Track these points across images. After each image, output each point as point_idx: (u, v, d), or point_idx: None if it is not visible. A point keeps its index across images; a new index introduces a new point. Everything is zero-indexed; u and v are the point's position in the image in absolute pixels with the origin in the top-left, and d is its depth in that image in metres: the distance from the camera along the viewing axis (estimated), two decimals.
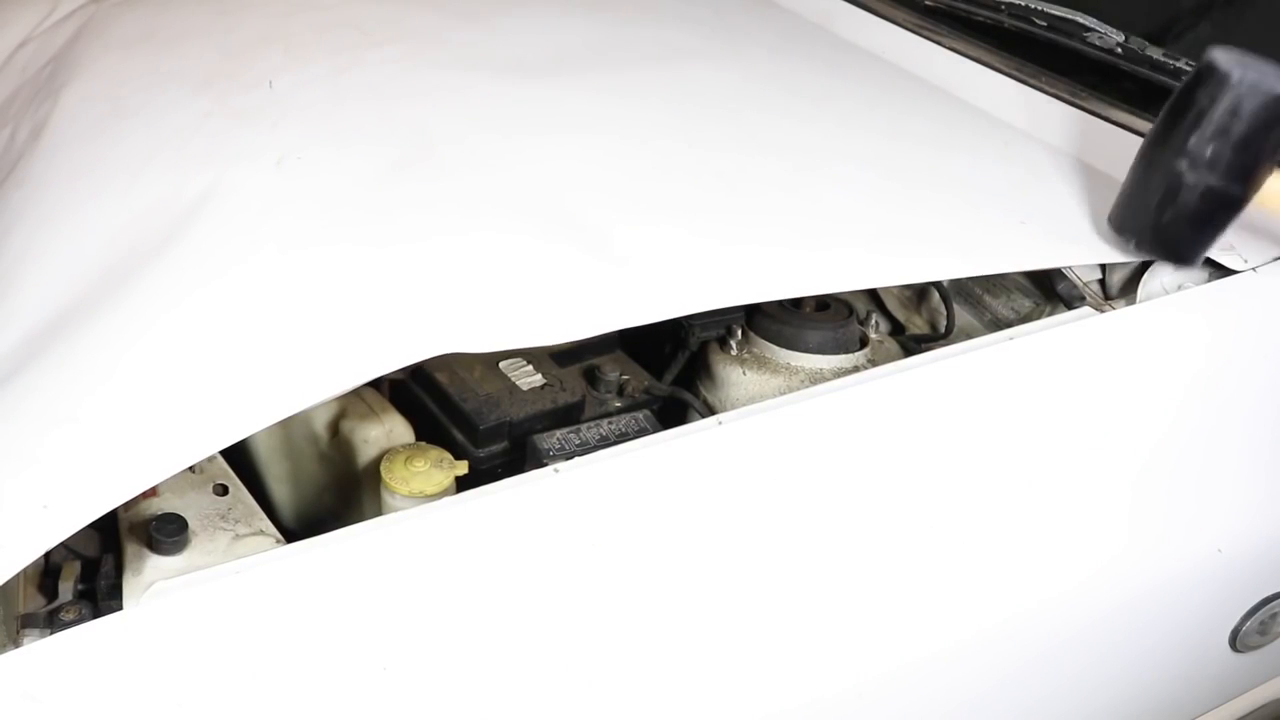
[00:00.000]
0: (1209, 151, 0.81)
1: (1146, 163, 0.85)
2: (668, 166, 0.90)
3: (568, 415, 0.85)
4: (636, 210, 0.84)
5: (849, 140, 0.98)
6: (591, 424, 0.82)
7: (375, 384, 0.86)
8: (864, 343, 0.93)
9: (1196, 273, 0.86)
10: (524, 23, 1.14)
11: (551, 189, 0.85)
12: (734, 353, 0.92)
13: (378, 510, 0.76)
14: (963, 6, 1.18)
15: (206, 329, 0.72)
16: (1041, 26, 1.09)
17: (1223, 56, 0.81)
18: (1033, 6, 1.12)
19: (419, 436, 0.83)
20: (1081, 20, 1.08)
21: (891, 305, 1.05)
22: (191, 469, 0.72)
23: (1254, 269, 0.85)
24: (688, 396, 0.90)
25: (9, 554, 0.58)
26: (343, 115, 0.94)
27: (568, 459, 0.71)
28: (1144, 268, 0.88)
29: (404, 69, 1.02)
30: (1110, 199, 0.86)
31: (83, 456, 0.63)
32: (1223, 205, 0.82)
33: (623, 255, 0.78)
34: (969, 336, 0.87)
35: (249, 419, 0.65)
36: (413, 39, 1.08)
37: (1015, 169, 0.97)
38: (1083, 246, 0.87)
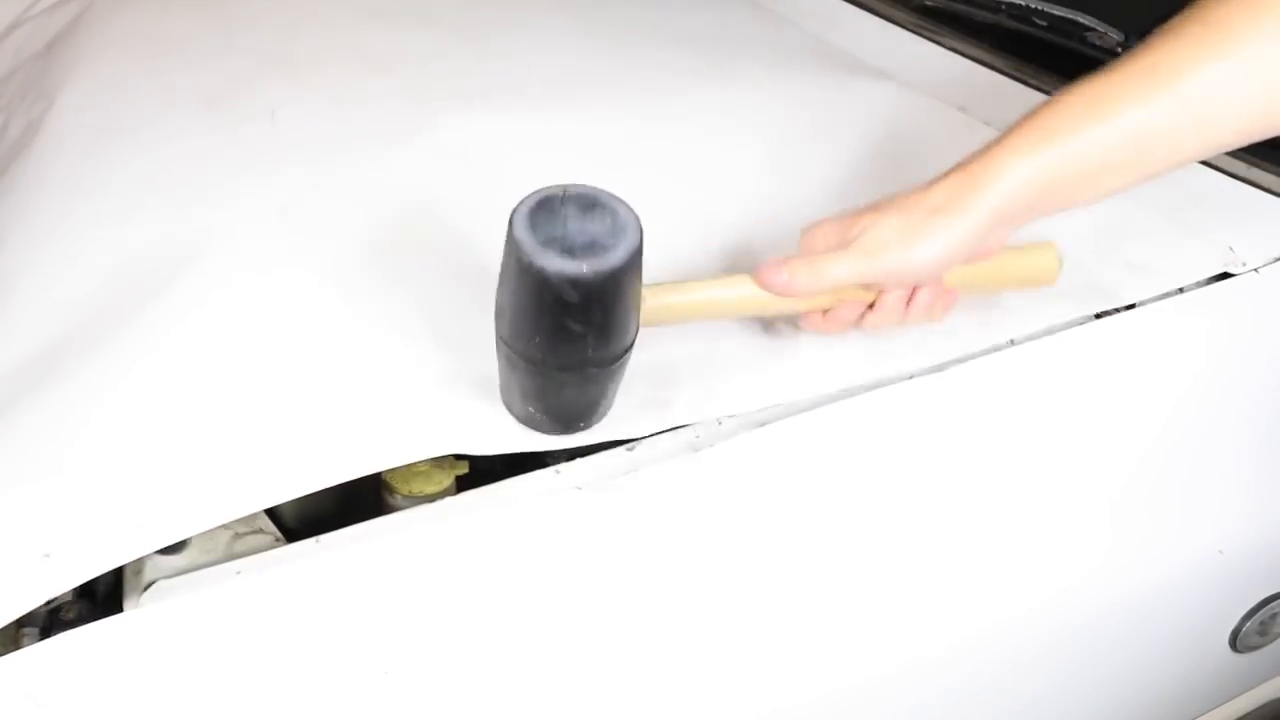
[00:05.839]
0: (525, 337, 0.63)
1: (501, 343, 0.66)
2: (677, 235, 0.87)
3: None
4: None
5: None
6: None
7: None
8: None
9: (1197, 274, 0.86)
10: (522, 43, 1.14)
11: None
12: None
13: (378, 510, 0.76)
14: (962, 6, 1.18)
15: (213, 385, 0.71)
16: (1041, 26, 1.09)
17: (517, 221, 0.60)
18: (1033, 6, 1.12)
19: None
20: (1082, 20, 1.08)
21: None
22: None
23: (1254, 269, 0.85)
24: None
25: (8, 601, 0.58)
26: (345, 158, 0.94)
27: (568, 459, 0.71)
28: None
29: (406, 103, 1.02)
30: (1108, 206, 0.86)
31: (86, 508, 0.63)
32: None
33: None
34: None
35: (253, 497, 0.64)
36: (413, 65, 1.08)
37: None
38: None
